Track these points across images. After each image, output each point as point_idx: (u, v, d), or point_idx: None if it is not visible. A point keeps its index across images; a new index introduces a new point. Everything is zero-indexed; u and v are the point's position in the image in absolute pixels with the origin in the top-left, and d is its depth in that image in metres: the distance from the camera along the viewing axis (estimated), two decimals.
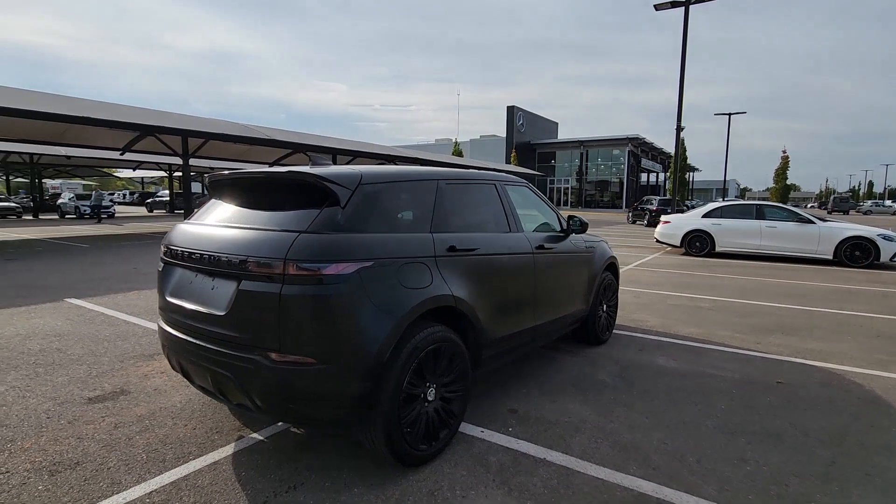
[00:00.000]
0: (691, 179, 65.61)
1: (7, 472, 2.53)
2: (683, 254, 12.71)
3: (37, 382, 3.71)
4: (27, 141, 23.02)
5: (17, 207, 28.26)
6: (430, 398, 2.63)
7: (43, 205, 32.12)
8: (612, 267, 4.98)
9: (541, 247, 3.67)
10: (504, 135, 49.95)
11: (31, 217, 28.39)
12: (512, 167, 41.57)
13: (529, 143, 51.80)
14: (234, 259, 2.34)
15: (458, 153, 42.77)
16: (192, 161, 22.61)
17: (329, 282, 2.23)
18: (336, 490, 2.40)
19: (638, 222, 27.62)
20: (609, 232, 20.52)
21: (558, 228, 4.13)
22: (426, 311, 2.58)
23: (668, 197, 36.29)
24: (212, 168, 33.64)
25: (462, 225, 3.08)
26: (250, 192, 2.76)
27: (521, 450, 2.81)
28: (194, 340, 2.49)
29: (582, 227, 4.14)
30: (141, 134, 21.09)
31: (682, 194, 40.09)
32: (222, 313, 2.36)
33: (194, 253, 2.52)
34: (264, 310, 2.23)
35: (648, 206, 26.67)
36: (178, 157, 21.60)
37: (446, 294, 2.68)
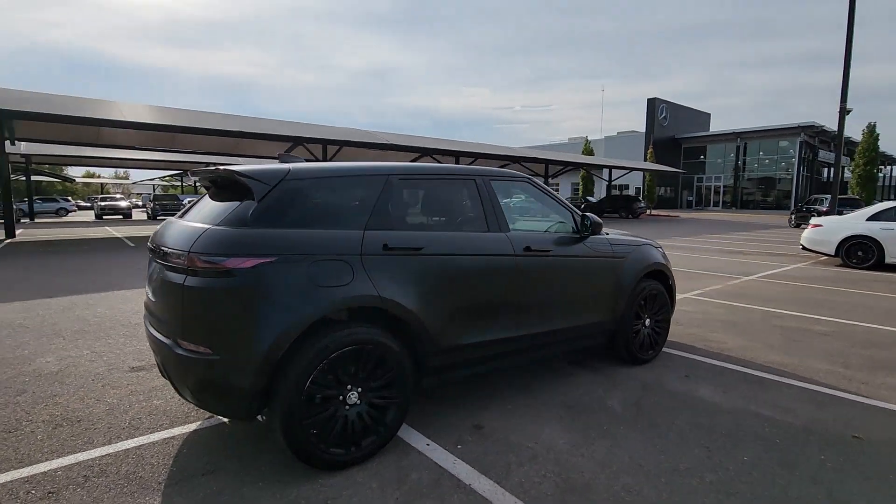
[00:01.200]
0: (890, 174, 53.06)
1: (30, 420, 3.08)
2: (840, 265, 10.34)
3: (111, 349, 4.47)
4: (209, 153, 27.89)
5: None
6: (350, 402, 2.53)
7: None
8: (658, 275, 4.26)
9: (529, 249, 3.29)
10: (644, 129, 46.07)
11: None
12: (639, 164, 38.25)
13: (674, 137, 46.92)
14: (163, 250, 2.53)
15: (589, 151, 40.61)
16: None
17: (227, 275, 2.28)
18: (242, 482, 2.44)
19: (802, 226, 23.24)
20: (751, 237, 17.63)
21: (571, 229, 3.67)
22: (342, 309, 2.50)
23: (851, 195, 29.85)
24: None
25: (415, 223, 2.91)
26: (207, 189, 2.96)
27: (452, 471, 2.55)
28: (148, 326, 2.76)
29: (593, 227, 3.61)
30: (293, 144, 24.05)
31: (868, 192, 32.42)
32: (154, 300, 2.58)
33: (152, 245, 2.79)
34: (174, 298, 2.38)
35: (817, 207, 22.29)
36: None
37: (370, 294, 2.55)
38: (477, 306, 3.05)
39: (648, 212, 36.43)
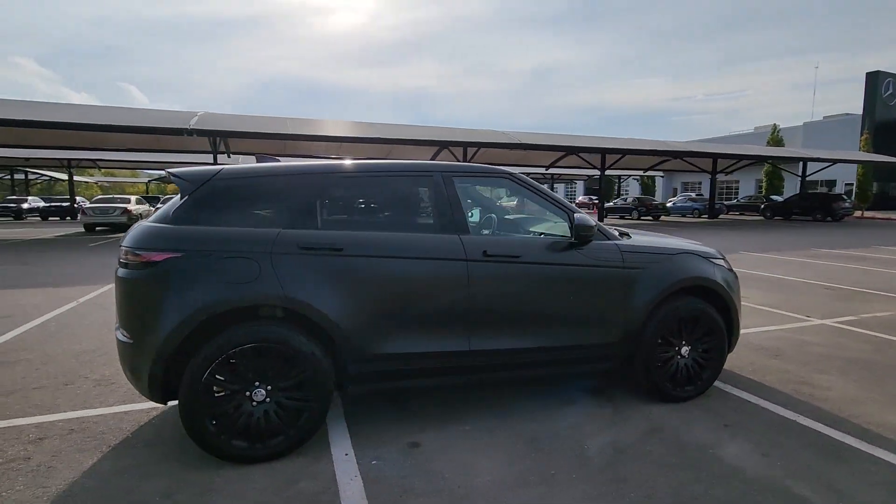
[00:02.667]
0: None
1: (86, 378, 3.80)
2: None
3: None
4: (369, 159, 30.68)
5: None
6: (257, 399, 2.55)
7: None
8: (704, 293, 3.36)
9: (488, 254, 2.88)
10: (861, 111, 36.79)
11: None
12: (845, 154, 30.51)
13: None
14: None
15: (778, 141, 34.06)
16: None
17: (143, 268, 2.49)
18: (165, 456, 2.64)
19: None
20: None
21: (561, 234, 3.12)
22: (246, 307, 2.52)
23: None
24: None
25: (347, 222, 2.79)
26: None
27: (342, 488, 2.37)
28: None
29: (578, 231, 2.99)
30: (439, 148, 25.31)
31: None
32: None
33: None
34: (116, 288, 2.68)
35: None
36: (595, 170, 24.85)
37: (275, 294, 2.53)
38: (413, 314, 2.79)
39: (859, 213, 29.06)
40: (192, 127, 14.91)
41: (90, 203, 19.66)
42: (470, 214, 3.34)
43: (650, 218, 27.49)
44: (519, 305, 2.97)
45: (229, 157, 23.87)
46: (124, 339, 2.57)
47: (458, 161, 23.16)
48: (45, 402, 3.34)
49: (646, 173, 39.22)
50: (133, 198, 20.09)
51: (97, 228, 18.63)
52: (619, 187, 46.33)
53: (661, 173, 42.50)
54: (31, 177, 42.20)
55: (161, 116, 16.79)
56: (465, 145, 22.10)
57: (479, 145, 21.55)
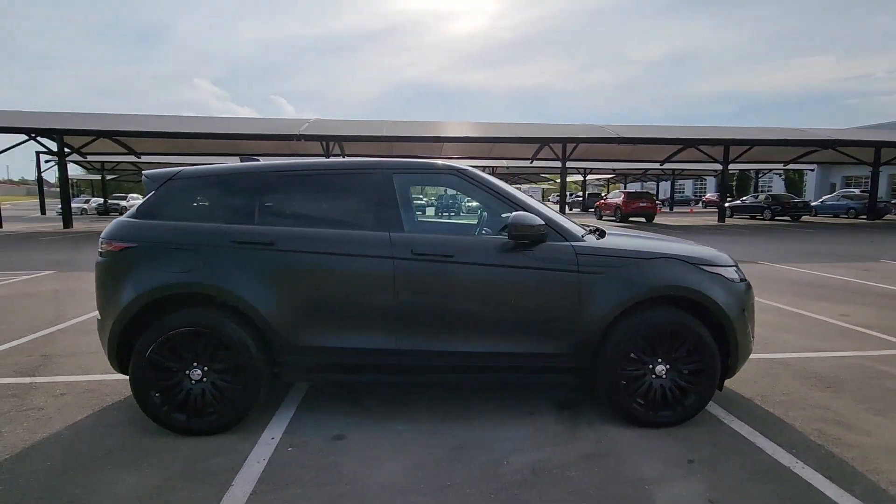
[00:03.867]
0: None
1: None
2: None
3: None
4: (468, 157, 30.99)
5: None
6: (194, 378, 2.80)
7: None
8: (688, 303, 2.89)
9: (417, 253, 2.80)
10: None
11: None
12: None
13: None
14: None
15: None
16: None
17: (107, 255, 2.89)
18: (132, 417, 3.03)
19: None
20: None
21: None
22: (182, 294, 2.78)
23: None
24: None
25: (288, 218, 2.91)
26: None
27: (243, 471, 2.50)
28: None
29: (512, 230, 2.74)
30: (540, 145, 24.80)
31: None
32: None
33: None
34: None
35: None
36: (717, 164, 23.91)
37: (207, 283, 2.75)
38: (340, 310, 2.83)
39: None
40: (300, 133, 16.49)
41: None
42: (424, 210, 3.29)
43: (787, 218, 23.82)
44: (450, 307, 2.85)
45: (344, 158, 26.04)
46: (98, 316, 3.00)
47: (558, 157, 22.40)
48: (87, 365, 4.01)
49: (786, 167, 33.95)
50: None
51: None
52: (757, 183, 40.68)
53: (811, 167, 36.60)
54: None
55: (275, 125, 18.84)
56: (564, 141, 21.29)
57: (576, 141, 20.64)
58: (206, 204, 3.01)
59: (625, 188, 49.23)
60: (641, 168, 37.39)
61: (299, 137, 16.19)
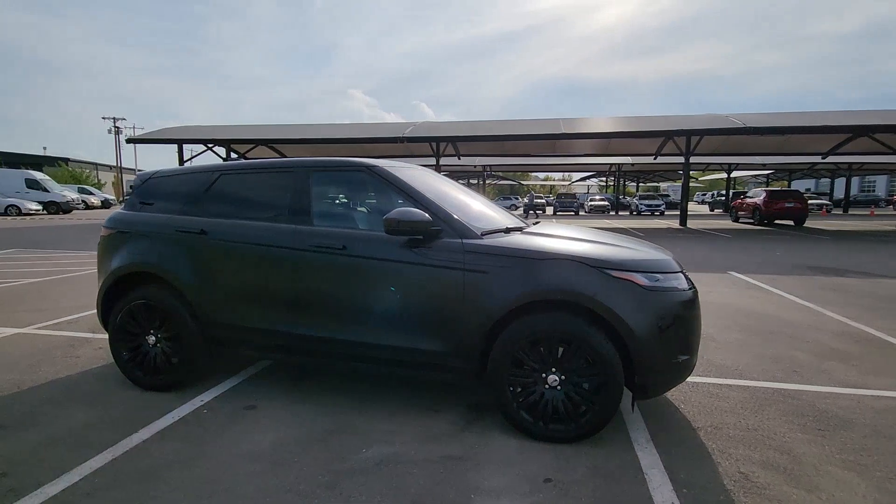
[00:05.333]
0: None
1: None
2: None
3: None
4: (587, 154, 29.50)
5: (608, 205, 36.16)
6: (150, 342, 3.36)
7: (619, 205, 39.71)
8: (586, 310, 2.60)
9: (314, 245, 2.98)
10: None
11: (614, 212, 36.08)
12: None
13: None
14: None
15: None
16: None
17: (101, 239, 3.61)
18: (109, 370, 3.72)
19: None
20: None
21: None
22: (137, 273, 3.36)
23: None
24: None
25: (228, 211, 3.30)
26: None
27: (150, 425, 2.95)
28: None
29: (387, 225, 2.74)
30: (665, 139, 22.87)
31: None
32: None
33: None
34: None
35: None
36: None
37: (153, 264, 3.29)
38: (251, 293, 3.15)
39: None
40: (404, 135, 17.50)
41: None
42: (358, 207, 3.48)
43: None
44: (340, 297, 2.97)
45: (459, 158, 26.78)
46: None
47: (681, 150, 20.33)
48: None
49: None
50: None
51: None
52: None
53: None
54: None
55: (381, 128, 20.20)
56: (688, 133, 19.18)
57: (701, 132, 18.42)
58: (169, 199, 3.57)
59: (788, 185, 42.26)
60: (802, 162, 31.74)
61: (402, 139, 17.20)
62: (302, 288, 3.05)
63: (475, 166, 39.73)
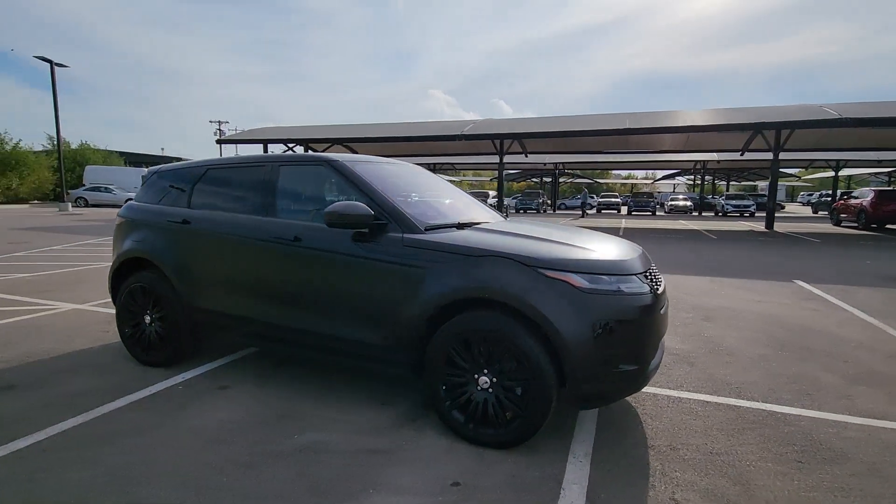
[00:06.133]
0: None
1: None
2: None
3: None
4: (668, 151, 27.68)
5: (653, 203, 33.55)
6: (146, 321, 3.70)
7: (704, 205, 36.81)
8: (513, 310, 2.47)
9: (274, 236, 3.11)
10: None
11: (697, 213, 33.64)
12: None
13: None
14: None
15: None
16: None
17: (115, 227, 4.02)
18: (110, 344, 4.13)
19: None
20: None
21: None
22: (133, 258, 3.70)
23: None
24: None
25: (211, 203, 3.54)
26: None
27: (128, 395, 3.25)
28: None
29: (328, 219, 2.77)
30: (753, 133, 21.00)
31: None
32: None
33: None
34: None
35: None
36: None
37: (145, 250, 3.62)
38: (221, 281, 3.35)
39: None
40: (462, 133, 17.54)
41: None
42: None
43: None
44: (293, 287, 3.08)
45: (526, 156, 26.34)
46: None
47: (770, 146, 18.47)
48: None
49: None
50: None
51: None
52: None
53: None
54: None
55: (440, 126, 20.33)
56: (778, 127, 17.33)
57: (791, 125, 16.55)
58: (168, 191, 3.90)
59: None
60: None
61: (460, 137, 17.23)
62: (265, 277, 3.20)
63: (545, 164, 38.81)
